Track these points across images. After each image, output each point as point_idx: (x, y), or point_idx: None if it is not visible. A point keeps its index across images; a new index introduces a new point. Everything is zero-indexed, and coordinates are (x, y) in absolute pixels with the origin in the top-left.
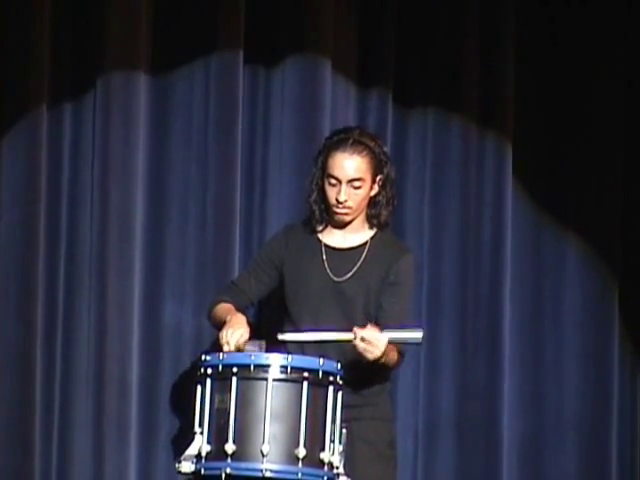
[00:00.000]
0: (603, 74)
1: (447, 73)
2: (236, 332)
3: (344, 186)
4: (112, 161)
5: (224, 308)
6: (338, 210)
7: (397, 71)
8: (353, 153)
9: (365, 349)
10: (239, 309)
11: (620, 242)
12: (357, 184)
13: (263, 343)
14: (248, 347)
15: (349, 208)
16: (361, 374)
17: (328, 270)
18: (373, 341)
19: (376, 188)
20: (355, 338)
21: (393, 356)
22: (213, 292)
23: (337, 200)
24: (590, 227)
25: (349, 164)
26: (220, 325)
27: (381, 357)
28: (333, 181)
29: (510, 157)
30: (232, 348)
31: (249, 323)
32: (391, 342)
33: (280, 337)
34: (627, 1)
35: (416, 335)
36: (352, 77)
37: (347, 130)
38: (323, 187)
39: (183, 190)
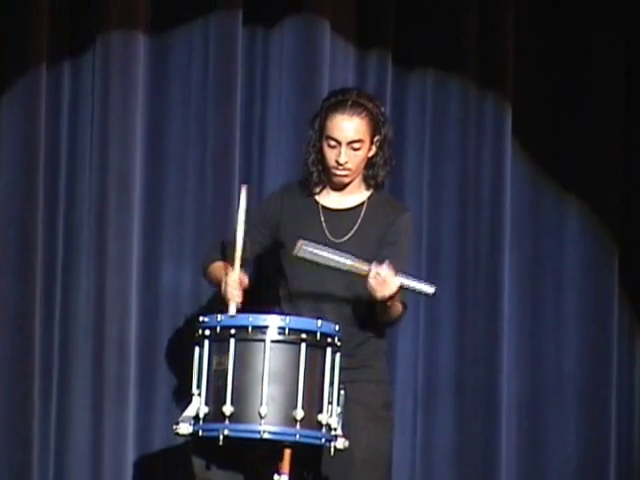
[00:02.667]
0: (604, 32)
1: (446, 33)
2: (233, 280)
3: (344, 148)
4: (111, 120)
5: (219, 266)
6: (338, 172)
7: (396, 32)
8: (352, 115)
9: (377, 286)
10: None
11: (620, 203)
12: (357, 145)
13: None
14: None
15: (349, 170)
16: (357, 333)
17: (326, 231)
18: (387, 279)
19: (374, 149)
20: (370, 272)
21: (397, 307)
22: None
23: (337, 162)
24: (590, 187)
25: (349, 126)
26: (218, 283)
27: (388, 300)
28: (332, 143)
29: (509, 117)
30: (237, 293)
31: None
32: (403, 287)
33: (295, 250)
34: None
35: (428, 289)
36: (351, 38)
37: (345, 91)
38: (321, 149)
39: (182, 150)
